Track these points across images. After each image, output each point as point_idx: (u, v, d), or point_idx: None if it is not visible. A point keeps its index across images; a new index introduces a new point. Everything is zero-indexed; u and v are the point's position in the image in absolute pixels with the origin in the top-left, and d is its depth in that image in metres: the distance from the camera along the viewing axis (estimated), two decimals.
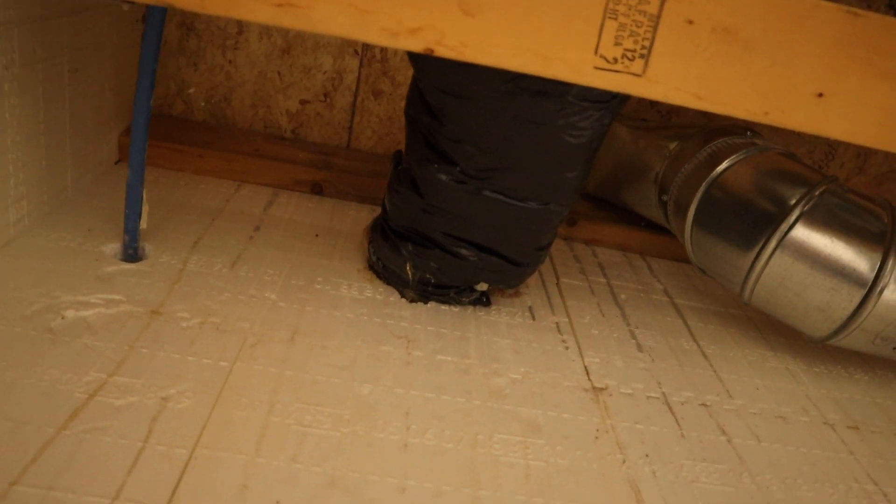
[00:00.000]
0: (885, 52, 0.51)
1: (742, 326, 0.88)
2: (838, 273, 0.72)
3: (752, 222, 0.76)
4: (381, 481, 0.52)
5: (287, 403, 0.58)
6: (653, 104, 1.08)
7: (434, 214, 0.69)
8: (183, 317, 0.65)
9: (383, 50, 1.02)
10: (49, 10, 0.71)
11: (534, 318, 0.79)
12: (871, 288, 0.71)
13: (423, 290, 0.75)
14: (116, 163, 0.95)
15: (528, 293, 0.84)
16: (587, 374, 0.71)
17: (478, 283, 0.74)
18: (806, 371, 0.80)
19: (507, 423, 0.61)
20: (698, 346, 0.81)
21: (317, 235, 0.87)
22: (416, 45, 0.50)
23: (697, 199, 0.81)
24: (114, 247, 0.74)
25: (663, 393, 0.70)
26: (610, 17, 0.49)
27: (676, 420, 0.66)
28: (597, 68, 0.50)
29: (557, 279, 0.90)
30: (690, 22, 0.49)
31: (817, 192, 0.74)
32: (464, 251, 0.70)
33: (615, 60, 0.50)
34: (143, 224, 0.72)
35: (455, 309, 0.77)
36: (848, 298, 0.72)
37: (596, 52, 0.50)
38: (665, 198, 0.89)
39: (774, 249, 0.74)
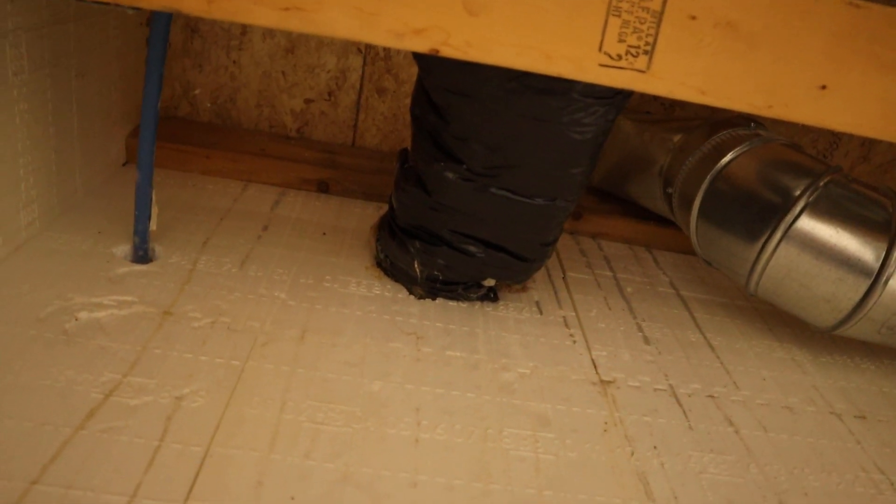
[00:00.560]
0: (886, 43, 0.51)
1: (748, 318, 0.88)
2: (844, 263, 0.72)
3: (757, 214, 0.76)
4: (394, 476, 0.53)
5: (299, 401, 0.58)
6: (656, 97, 1.08)
7: (441, 212, 0.70)
8: (194, 317, 0.66)
9: (386, 48, 1.03)
10: (56, 15, 0.71)
11: (541, 313, 0.80)
12: (877, 277, 0.71)
13: (431, 287, 0.76)
14: (124, 164, 0.95)
15: (535, 288, 0.85)
16: (595, 367, 0.71)
17: (485, 279, 0.75)
18: (812, 361, 0.81)
19: (517, 417, 0.62)
20: (705, 337, 0.81)
21: (324, 234, 0.88)
22: (422, 46, 0.50)
23: (702, 191, 0.82)
24: (124, 248, 0.75)
25: (670, 385, 0.71)
26: (613, 15, 0.49)
27: (684, 412, 0.67)
28: (601, 65, 0.51)
29: (564, 273, 0.90)
30: (693, 17, 0.50)
31: (822, 183, 0.74)
32: (471, 248, 0.71)
33: (619, 57, 0.51)
34: (153, 226, 0.73)
35: (463, 305, 0.78)
36: (854, 288, 0.72)
37: (600, 49, 0.50)
38: (670, 190, 0.90)
39: (780, 241, 0.74)
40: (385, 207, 0.95)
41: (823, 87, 0.52)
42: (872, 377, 0.80)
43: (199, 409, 0.55)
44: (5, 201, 0.67)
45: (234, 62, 1.02)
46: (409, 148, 0.75)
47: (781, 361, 0.80)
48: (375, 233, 0.83)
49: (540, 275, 0.88)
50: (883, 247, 0.71)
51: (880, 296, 0.71)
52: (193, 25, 1.00)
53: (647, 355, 0.75)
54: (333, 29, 0.50)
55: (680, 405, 0.68)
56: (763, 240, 0.75)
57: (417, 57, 0.69)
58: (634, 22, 0.50)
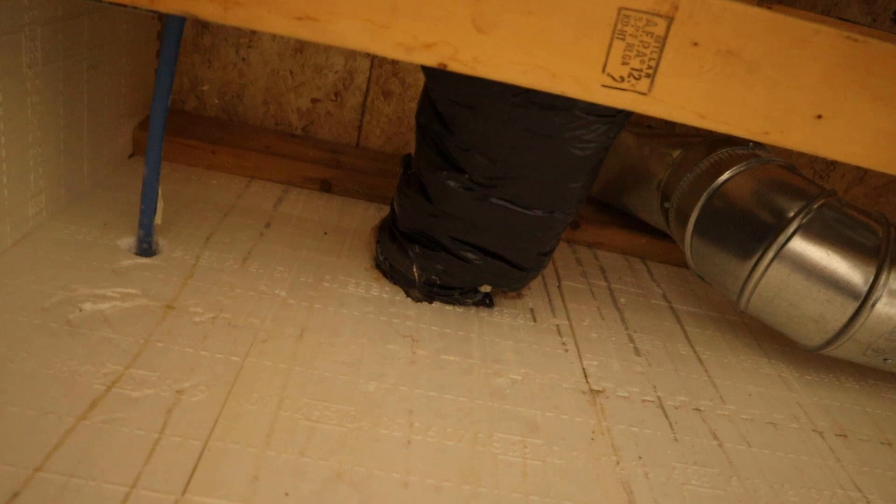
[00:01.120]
0: (882, 76, 0.52)
1: (738, 333, 0.90)
2: (833, 285, 0.74)
3: (751, 233, 0.78)
4: (386, 476, 0.54)
5: (296, 399, 0.60)
6: None
7: (442, 219, 0.71)
8: (196, 311, 0.68)
9: None
10: (71, 9, 0.73)
11: (535, 320, 0.81)
12: (864, 301, 0.73)
13: (429, 291, 0.77)
14: (130, 156, 0.97)
15: (531, 295, 0.86)
16: (585, 376, 0.73)
17: (482, 285, 0.77)
18: (798, 379, 0.83)
19: (507, 422, 0.63)
20: (694, 351, 0.83)
21: (325, 233, 0.89)
22: (431, 60, 0.51)
23: (698, 207, 0.83)
24: (128, 241, 0.76)
25: (658, 397, 0.72)
26: (618, 38, 0.51)
27: (670, 424, 0.69)
28: (604, 86, 0.52)
29: (559, 281, 0.92)
30: (696, 44, 0.51)
31: (815, 206, 0.76)
32: (469, 255, 0.73)
33: (622, 79, 0.52)
34: (158, 220, 0.74)
35: (459, 309, 0.79)
36: (841, 310, 0.74)
37: (604, 70, 0.52)
38: (667, 205, 0.91)
39: (772, 260, 0.76)
40: (386, 209, 0.96)
41: (819, 117, 0.54)
42: (856, 397, 0.82)
43: (198, 404, 0.56)
44: (15, 191, 0.69)
45: (244, 59, 1.03)
46: (412, 154, 0.77)
47: (768, 377, 0.81)
48: (376, 235, 0.84)
49: (535, 282, 0.89)
50: (872, 271, 0.73)
51: (867, 319, 0.73)
52: (204, 21, 1.01)
53: (637, 366, 0.77)
54: (345, 40, 0.51)
55: (666, 417, 0.70)
56: (755, 258, 0.77)
57: (425, 68, 0.70)
58: (638, 46, 0.51)
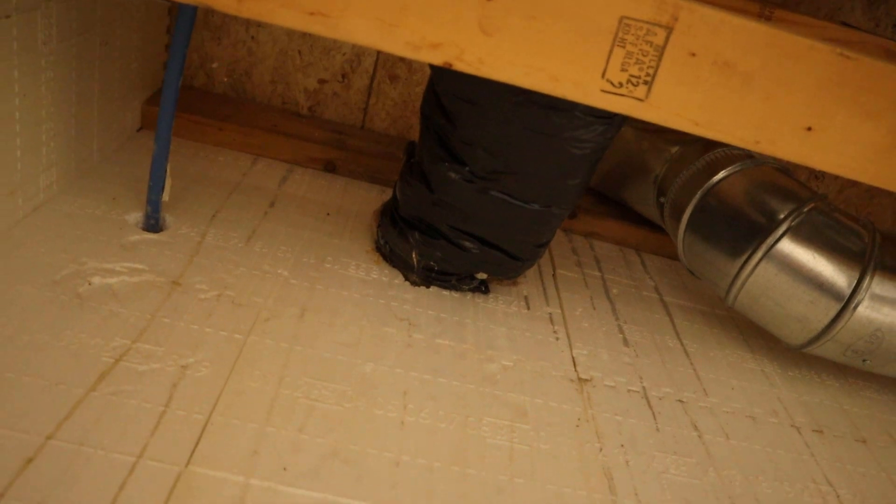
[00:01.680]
0: (872, 92, 0.54)
1: (726, 327, 0.92)
2: (818, 287, 0.76)
3: (742, 232, 0.80)
4: (379, 455, 0.57)
5: (296, 377, 0.62)
6: None
7: (442, 208, 0.73)
8: (201, 289, 0.70)
9: None
10: None
11: (529, 308, 0.84)
12: (847, 303, 0.75)
13: (427, 276, 0.80)
14: (139, 130, 0.98)
15: (526, 283, 0.89)
16: (574, 365, 0.76)
17: (478, 272, 0.79)
18: (781, 374, 0.85)
19: (497, 407, 0.66)
20: (682, 344, 0.86)
21: (328, 214, 0.91)
22: (437, 59, 0.53)
23: (692, 205, 0.85)
24: (136, 216, 0.78)
25: (643, 387, 0.75)
26: (618, 45, 0.53)
27: (653, 414, 0.72)
28: (603, 91, 0.54)
29: (554, 270, 0.94)
30: (693, 54, 0.53)
31: (805, 209, 0.78)
32: (467, 244, 0.75)
33: (620, 85, 0.54)
34: (166, 197, 0.76)
35: (455, 295, 0.81)
36: (824, 312, 0.76)
37: (603, 76, 0.54)
38: (663, 200, 0.93)
39: (760, 260, 0.78)
40: (389, 192, 0.98)
41: (809, 129, 0.56)
42: (836, 394, 0.85)
43: (202, 379, 0.59)
44: (28, 165, 0.71)
45: (253, 38, 1.04)
46: (416, 142, 0.79)
47: (751, 372, 0.84)
48: (377, 218, 0.86)
49: (531, 270, 0.92)
50: (856, 275, 0.75)
51: (848, 321, 0.75)
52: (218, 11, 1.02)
53: (625, 357, 0.80)
54: (354, 36, 0.53)
55: (650, 407, 0.72)
56: (745, 257, 0.79)
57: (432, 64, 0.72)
58: (637, 54, 0.53)
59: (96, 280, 0.67)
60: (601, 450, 0.65)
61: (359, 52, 1.06)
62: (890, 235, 0.78)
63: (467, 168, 0.69)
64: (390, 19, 0.52)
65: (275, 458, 0.54)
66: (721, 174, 0.84)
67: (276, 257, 0.79)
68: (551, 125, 0.64)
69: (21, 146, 0.69)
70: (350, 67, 1.07)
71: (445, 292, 0.81)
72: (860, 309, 0.75)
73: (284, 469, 0.53)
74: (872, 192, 1.18)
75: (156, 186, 0.75)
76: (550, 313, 0.84)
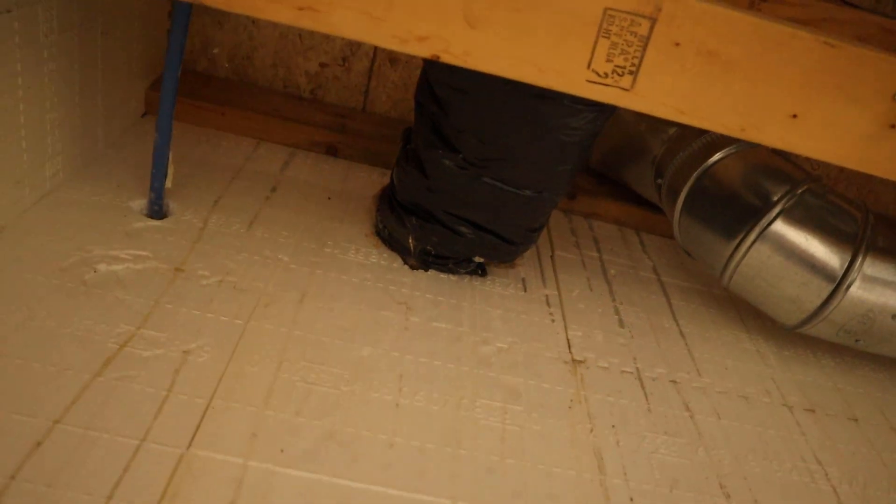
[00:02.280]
0: (855, 80, 0.55)
1: (722, 307, 0.93)
2: (810, 268, 0.77)
3: (737, 214, 0.81)
4: (374, 437, 0.59)
5: (294, 361, 0.64)
6: None
7: (437, 193, 0.75)
8: (203, 275, 0.72)
9: None
10: None
11: (525, 290, 0.85)
12: (839, 284, 0.76)
13: (424, 259, 0.81)
14: (143, 115, 1.00)
15: (523, 265, 0.90)
16: (569, 346, 0.77)
17: (474, 256, 0.80)
18: (776, 354, 0.86)
19: (491, 389, 0.68)
20: (677, 324, 0.87)
21: (329, 198, 0.93)
22: (424, 52, 0.54)
23: (689, 186, 0.86)
24: (140, 203, 0.80)
25: (637, 368, 0.77)
26: (603, 36, 0.53)
27: (646, 394, 0.73)
28: (588, 81, 0.55)
29: (552, 252, 0.95)
30: (677, 44, 0.54)
31: (799, 191, 0.78)
32: (463, 228, 0.76)
33: (606, 75, 0.55)
34: (169, 184, 0.78)
35: (453, 277, 0.83)
36: (817, 292, 0.77)
37: (589, 66, 0.54)
38: (660, 181, 0.94)
39: (754, 241, 0.79)
40: (389, 174, 0.99)
41: (794, 116, 0.56)
42: (830, 373, 0.86)
43: (203, 364, 0.61)
44: (34, 155, 0.73)
45: (253, 22, 1.05)
46: (412, 128, 0.80)
47: (746, 352, 0.85)
48: (377, 203, 0.88)
49: (529, 252, 0.93)
50: (848, 256, 0.76)
51: (840, 301, 0.76)
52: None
53: (620, 338, 0.81)
54: (343, 30, 0.54)
55: (643, 388, 0.74)
56: (739, 239, 0.80)
57: None
58: (622, 44, 0.53)
59: (102, 267, 0.69)
60: (592, 430, 0.66)
61: None
62: (882, 217, 0.79)
63: (460, 155, 0.70)
64: (377, 13, 0.53)
65: (273, 440, 0.56)
66: (717, 156, 0.85)
67: (277, 242, 0.80)
68: (541, 114, 0.65)
69: (26, 137, 0.71)
70: (350, 51, 1.08)
71: (443, 275, 0.83)
72: (852, 290, 0.76)
73: (282, 451, 0.55)
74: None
75: (158, 174, 0.77)
76: (547, 295, 0.85)
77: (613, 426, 0.68)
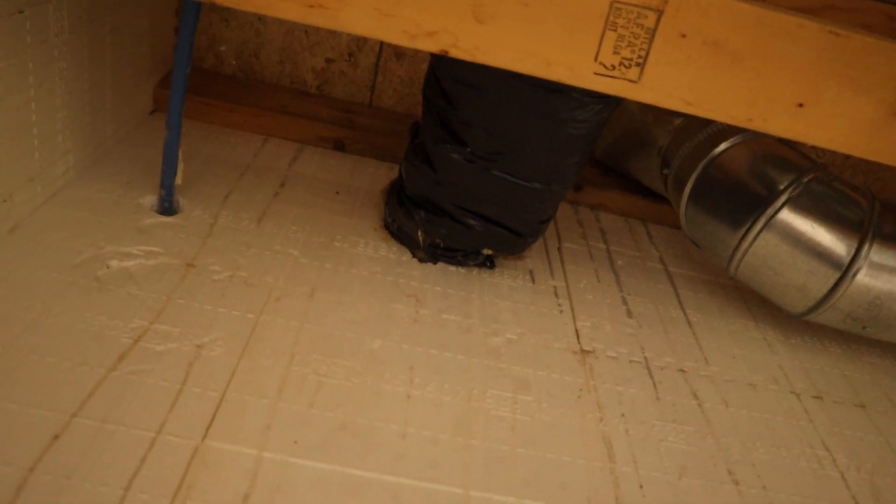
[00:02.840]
0: (861, 68, 0.55)
1: (729, 296, 0.94)
2: (817, 256, 0.77)
3: (743, 203, 0.81)
4: (386, 428, 0.60)
5: (306, 354, 0.65)
6: None
7: (445, 187, 0.75)
8: (214, 270, 0.73)
9: None
10: None
11: (533, 282, 0.86)
12: (846, 271, 0.76)
13: (433, 252, 0.82)
14: (151, 112, 1.01)
15: (531, 256, 0.90)
16: (577, 337, 0.78)
17: (483, 249, 0.81)
18: (783, 342, 0.87)
19: (500, 380, 0.69)
20: (685, 314, 0.87)
21: (337, 193, 0.93)
22: (433, 47, 0.55)
23: (695, 176, 0.86)
24: (151, 199, 0.81)
25: (645, 358, 0.77)
26: (610, 29, 0.54)
27: (654, 384, 0.74)
28: (596, 74, 0.55)
29: (560, 243, 0.96)
30: (683, 35, 0.54)
31: (805, 179, 0.78)
32: (471, 221, 0.77)
33: (613, 67, 0.55)
34: (179, 180, 0.79)
35: (461, 270, 0.84)
36: (823, 280, 0.77)
37: (596, 59, 0.55)
38: (666, 171, 0.94)
39: (761, 230, 0.79)
40: (397, 169, 1.00)
41: (801, 105, 0.57)
42: (837, 360, 0.86)
43: (216, 358, 0.62)
44: (45, 152, 0.73)
45: (260, 19, 1.06)
46: (420, 122, 0.80)
47: (753, 340, 0.86)
48: (385, 196, 0.88)
49: (536, 244, 0.93)
50: (854, 244, 0.76)
51: (847, 288, 0.77)
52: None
53: (628, 328, 0.82)
54: (353, 27, 0.54)
55: (651, 377, 0.75)
56: (745, 228, 0.80)
57: None
58: (629, 36, 0.54)
59: (114, 263, 0.70)
60: (601, 419, 0.67)
61: None
62: (889, 204, 0.79)
63: (468, 149, 0.71)
64: (387, 9, 0.54)
65: (286, 432, 0.57)
66: (723, 146, 0.85)
67: (287, 237, 0.81)
68: (549, 106, 0.65)
69: (38, 135, 0.72)
70: (356, 46, 1.08)
71: (452, 268, 0.83)
72: (859, 277, 0.76)
73: (295, 442, 0.56)
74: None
75: (169, 171, 0.78)
76: (555, 286, 0.86)
77: (623, 415, 0.68)
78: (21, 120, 0.68)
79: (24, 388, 0.54)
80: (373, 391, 0.63)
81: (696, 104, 0.57)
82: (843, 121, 0.57)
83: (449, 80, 0.69)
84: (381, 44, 1.08)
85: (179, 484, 0.50)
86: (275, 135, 1.03)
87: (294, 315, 0.70)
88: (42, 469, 0.48)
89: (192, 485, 0.50)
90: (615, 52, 0.54)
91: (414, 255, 0.84)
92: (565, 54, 0.55)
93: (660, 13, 0.53)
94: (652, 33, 0.54)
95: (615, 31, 0.54)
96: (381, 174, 1.01)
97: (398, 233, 0.84)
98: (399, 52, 1.09)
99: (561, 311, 0.81)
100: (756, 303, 0.93)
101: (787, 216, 0.78)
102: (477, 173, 0.72)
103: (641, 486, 0.61)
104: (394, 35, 0.54)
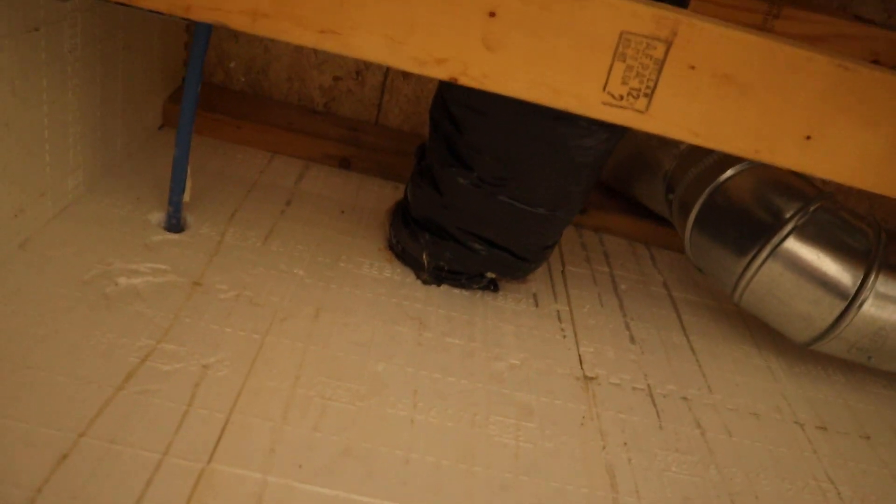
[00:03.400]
0: (869, 102, 0.55)
1: (733, 323, 0.94)
2: (822, 286, 0.77)
3: (749, 231, 0.81)
4: (390, 453, 0.60)
5: (311, 376, 0.65)
6: None
7: (451, 210, 0.75)
8: (221, 289, 0.73)
9: None
10: None
11: (537, 305, 0.86)
12: (852, 302, 0.76)
13: (437, 274, 0.82)
14: (160, 128, 1.01)
15: (535, 280, 0.91)
16: (580, 363, 0.78)
17: (487, 272, 0.81)
18: (787, 371, 0.87)
19: (504, 405, 0.69)
20: (688, 340, 0.87)
21: (343, 212, 0.94)
22: (442, 74, 0.55)
23: (700, 202, 0.86)
24: (159, 216, 0.81)
25: (648, 385, 0.77)
26: (619, 60, 0.54)
27: (657, 412, 0.74)
28: (604, 103, 0.56)
29: (563, 266, 0.96)
30: (692, 67, 0.54)
31: (812, 208, 0.79)
32: (476, 245, 0.77)
33: (621, 97, 0.55)
34: (187, 198, 0.79)
35: (465, 293, 0.84)
36: (829, 310, 0.77)
37: (604, 89, 0.55)
38: (671, 196, 0.94)
39: (766, 258, 0.79)
40: (402, 188, 1.00)
41: (808, 138, 0.57)
42: (841, 390, 0.86)
43: (222, 379, 0.62)
44: (56, 168, 0.74)
45: None
46: (426, 143, 0.81)
47: (757, 368, 0.86)
48: (390, 217, 0.89)
49: (540, 267, 0.93)
50: (860, 274, 0.76)
51: (853, 319, 0.77)
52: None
53: (631, 354, 0.82)
54: (364, 52, 0.55)
55: (654, 405, 0.74)
56: (751, 256, 0.80)
57: None
58: (638, 67, 0.54)
59: (122, 280, 0.70)
60: (604, 447, 0.67)
61: None
62: (894, 233, 0.79)
63: (475, 173, 0.71)
64: (398, 37, 0.54)
65: (291, 455, 0.57)
66: (729, 172, 0.85)
67: (293, 256, 0.81)
68: (556, 135, 0.66)
69: (49, 150, 0.72)
70: (364, 64, 1.09)
71: (456, 290, 0.84)
72: (865, 307, 0.76)
73: (300, 466, 0.56)
74: None
75: (177, 189, 0.78)
76: (558, 310, 0.86)
77: (625, 443, 0.68)
78: (34, 135, 0.69)
79: (34, 407, 0.54)
80: (377, 415, 0.63)
81: (703, 135, 0.57)
82: (850, 154, 0.57)
83: (456, 104, 0.69)
84: None
85: None
86: (282, 151, 1.04)
87: (299, 336, 0.70)
88: (50, 489, 0.49)
89: None
90: (624, 83, 0.55)
91: (418, 277, 0.84)
92: (574, 84, 0.55)
93: (669, 44, 0.53)
94: (661, 64, 0.54)
95: (624, 61, 0.54)
96: (386, 193, 1.02)
97: (402, 254, 0.85)
98: (406, 72, 1.09)
99: (564, 336, 0.82)
100: (759, 330, 0.93)
101: (793, 245, 0.78)
102: (483, 198, 0.73)
103: None
104: (404, 62, 0.55)
